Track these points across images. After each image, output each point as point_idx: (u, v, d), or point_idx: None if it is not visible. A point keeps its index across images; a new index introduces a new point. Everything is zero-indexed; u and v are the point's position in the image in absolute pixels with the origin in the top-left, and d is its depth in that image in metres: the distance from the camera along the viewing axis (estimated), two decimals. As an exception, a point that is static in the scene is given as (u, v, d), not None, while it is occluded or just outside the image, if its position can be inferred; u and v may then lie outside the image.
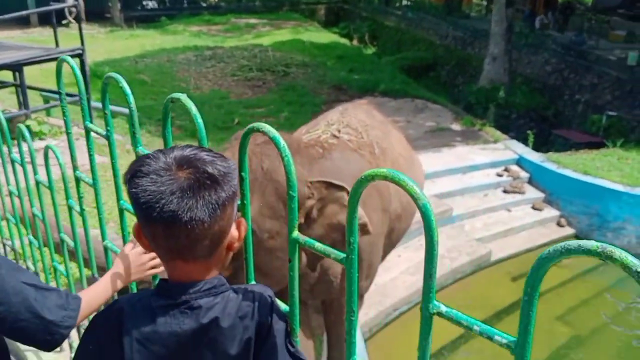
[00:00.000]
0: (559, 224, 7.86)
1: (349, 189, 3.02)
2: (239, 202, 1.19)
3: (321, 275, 3.39)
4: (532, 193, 8.17)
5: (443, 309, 0.94)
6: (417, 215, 6.92)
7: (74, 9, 14.77)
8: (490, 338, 0.86)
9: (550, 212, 7.97)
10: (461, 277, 6.68)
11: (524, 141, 9.24)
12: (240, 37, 16.26)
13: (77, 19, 5.08)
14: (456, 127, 10.20)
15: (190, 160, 1.06)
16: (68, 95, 5.53)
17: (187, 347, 1.10)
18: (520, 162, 8.59)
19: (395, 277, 6.26)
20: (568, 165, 8.09)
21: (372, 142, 3.69)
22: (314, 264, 3.19)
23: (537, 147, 9.26)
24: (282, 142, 1.15)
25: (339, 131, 3.61)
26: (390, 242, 4.03)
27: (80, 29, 4.86)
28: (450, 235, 7.17)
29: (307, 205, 3.00)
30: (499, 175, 8.32)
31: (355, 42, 19.08)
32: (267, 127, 1.14)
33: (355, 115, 3.89)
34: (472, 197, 7.89)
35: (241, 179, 1.23)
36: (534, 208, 7.98)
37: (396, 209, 3.81)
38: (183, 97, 1.29)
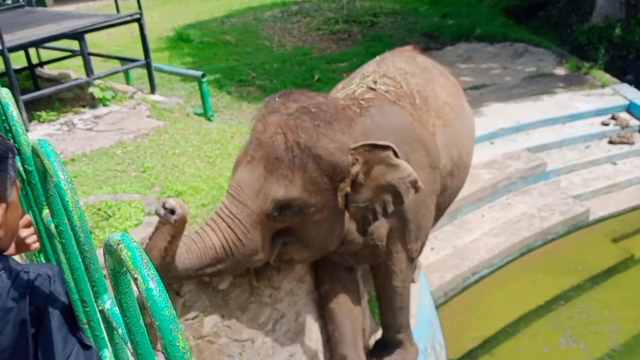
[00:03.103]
0: (675, 179, 6.92)
1: (394, 146, 2.84)
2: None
3: (366, 239, 3.27)
4: (644, 143, 7.25)
5: None
6: (506, 172, 6.47)
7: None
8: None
9: (664, 165, 7.04)
10: (553, 238, 6.15)
11: (640, 85, 8.17)
12: (330, -12, 15.77)
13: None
14: (559, 71, 9.26)
15: None
16: (133, 60, 5.68)
17: None
18: (630, 108, 7.65)
19: (477, 239, 5.91)
20: (688, 110, 7.05)
21: (413, 92, 3.39)
22: (365, 229, 3.07)
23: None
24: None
25: (375, 82, 3.34)
26: (444, 200, 3.78)
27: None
28: (542, 193, 6.60)
29: (353, 172, 2.87)
30: (605, 124, 7.46)
31: (454, -16, 17.81)
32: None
33: (394, 63, 3.57)
34: (571, 150, 7.18)
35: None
36: (645, 160, 7.09)
37: (446, 165, 3.54)
38: None
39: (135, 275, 0.68)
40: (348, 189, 2.89)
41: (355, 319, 3.69)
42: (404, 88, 3.37)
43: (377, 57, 3.81)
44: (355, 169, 2.85)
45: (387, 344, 3.93)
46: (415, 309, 4.23)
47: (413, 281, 4.26)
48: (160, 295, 0.66)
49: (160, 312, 0.65)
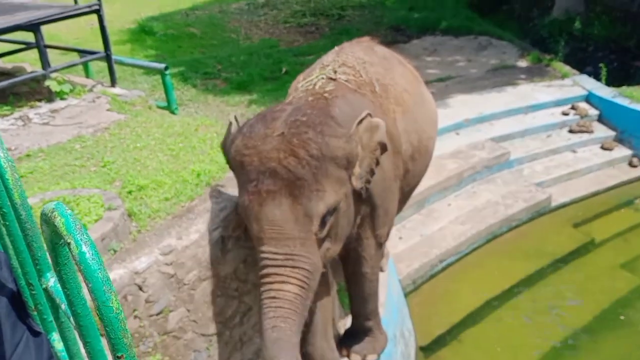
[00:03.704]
0: (631, 164, 7.17)
1: (368, 111, 2.92)
2: None
3: None
4: (602, 132, 7.47)
5: None
6: (471, 162, 6.57)
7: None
8: None
9: (622, 152, 7.28)
10: (517, 225, 6.28)
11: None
12: (297, -19, 15.70)
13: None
14: (522, 63, 9.42)
15: None
16: (92, 52, 5.55)
17: None
18: (589, 98, 7.84)
19: (444, 227, 5.99)
20: (643, 99, 7.28)
21: (372, 80, 3.43)
22: (367, 189, 3.11)
23: (617, 82, 8.37)
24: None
25: (335, 72, 3.35)
26: (408, 185, 3.83)
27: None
28: (506, 181, 6.73)
29: (360, 152, 2.94)
30: (565, 114, 7.65)
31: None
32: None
33: (352, 53, 3.60)
34: (534, 139, 7.33)
35: None
36: (603, 148, 7.30)
37: (407, 149, 3.59)
38: None
39: (69, 240, 0.69)
40: (358, 169, 2.94)
41: (325, 308, 3.70)
42: (363, 77, 3.40)
43: (336, 48, 3.82)
44: (359, 149, 2.91)
45: (356, 332, 3.95)
46: (384, 298, 4.26)
47: (381, 270, 4.29)
48: (93, 258, 0.67)
49: (93, 275, 0.66)
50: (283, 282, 2.74)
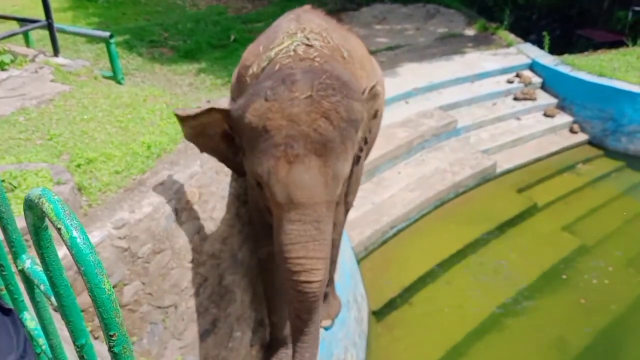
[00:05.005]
0: (572, 130, 7.49)
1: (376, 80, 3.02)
2: None
3: None
4: (545, 99, 7.74)
5: None
6: (420, 130, 6.70)
7: None
8: None
9: (563, 119, 7.58)
10: (464, 191, 6.49)
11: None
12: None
13: None
14: (469, 32, 9.60)
15: None
16: (33, 21, 5.28)
17: None
18: (533, 66, 8.09)
19: (394, 195, 6.12)
20: (583, 67, 7.57)
21: (339, 46, 3.37)
22: (359, 157, 3.12)
23: (559, 50, 8.65)
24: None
25: (308, 38, 3.21)
26: (367, 152, 3.87)
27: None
28: (454, 148, 6.91)
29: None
30: (510, 82, 7.87)
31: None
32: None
33: (311, 19, 3.50)
34: (480, 107, 7.53)
35: None
36: (545, 115, 7.58)
37: None
38: None
39: (59, 226, 0.70)
40: (360, 134, 2.93)
41: None
42: (331, 43, 3.31)
43: (290, 15, 3.66)
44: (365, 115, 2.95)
45: None
46: (338, 265, 4.35)
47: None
48: (84, 242, 0.69)
49: (85, 259, 0.68)
50: (311, 270, 2.69)
